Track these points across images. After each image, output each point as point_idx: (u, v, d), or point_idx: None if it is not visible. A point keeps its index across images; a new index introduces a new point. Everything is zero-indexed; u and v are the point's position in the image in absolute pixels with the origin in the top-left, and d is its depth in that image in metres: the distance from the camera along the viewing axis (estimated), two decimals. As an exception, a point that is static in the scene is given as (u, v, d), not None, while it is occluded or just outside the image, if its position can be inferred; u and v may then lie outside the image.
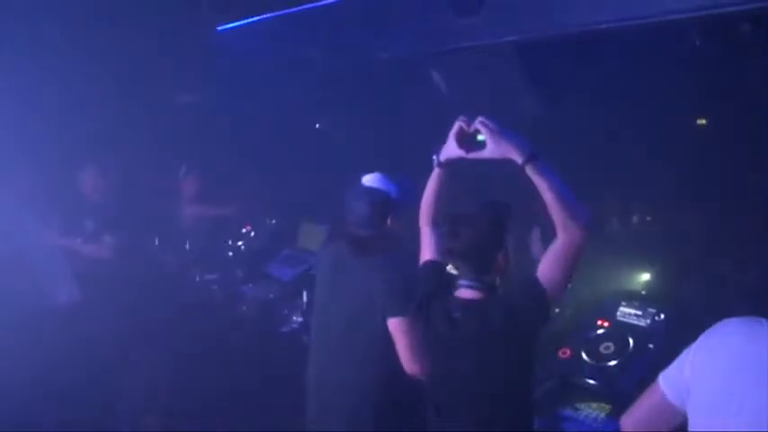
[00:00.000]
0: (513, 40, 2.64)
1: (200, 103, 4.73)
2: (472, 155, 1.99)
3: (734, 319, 1.47)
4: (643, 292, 2.85)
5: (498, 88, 2.89)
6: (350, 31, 3.25)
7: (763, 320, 1.41)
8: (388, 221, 2.42)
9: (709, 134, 2.79)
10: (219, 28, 4.12)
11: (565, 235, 1.84)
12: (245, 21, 3.91)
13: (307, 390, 2.51)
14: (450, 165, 2.10)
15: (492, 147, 1.92)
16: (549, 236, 1.92)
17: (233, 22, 4.01)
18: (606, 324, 2.69)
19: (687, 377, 1.48)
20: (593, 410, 2.34)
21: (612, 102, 2.80)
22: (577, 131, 2.89)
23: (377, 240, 2.41)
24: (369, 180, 2.48)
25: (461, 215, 1.98)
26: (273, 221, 4.64)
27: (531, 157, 1.86)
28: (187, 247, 4.52)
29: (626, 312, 2.71)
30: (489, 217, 1.96)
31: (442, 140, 2.09)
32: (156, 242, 4.46)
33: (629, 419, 1.63)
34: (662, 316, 2.62)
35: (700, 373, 1.45)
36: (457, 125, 2.03)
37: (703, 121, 2.78)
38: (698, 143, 2.77)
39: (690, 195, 2.85)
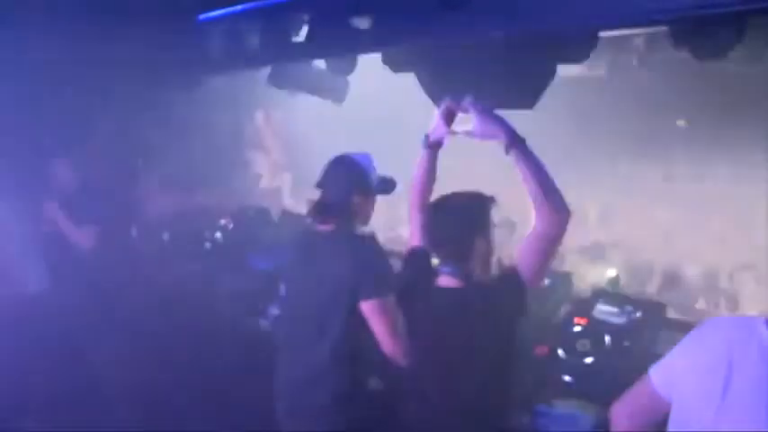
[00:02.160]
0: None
1: (178, 93, 4.65)
2: (459, 132, 1.99)
3: (724, 318, 1.46)
4: (620, 291, 2.88)
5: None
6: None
7: (754, 319, 1.40)
8: (355, 197, 2.37)
9: (689, 134, 2.82)
10: (201, 17, 4.06)
11: (543, 223, 1.84)
12: (228, 10, 3.86)
13: (277, 381, 2.49)
14: (438, 146, 2.10)
15: (479, 128, 1.91)
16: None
17: (215, 10, 3.96)
18: (583, 321, 2.71)
19: (676, 372, 1.49)
20: (569, 407, 2.36)
21: (589, 98, 2.81)
22: (563, 128, 2.90)
23: (339, 210, 2.35)
24: (352, 152, 2.44)
25: (436, 203, 1.99)
26: (252, 212, 4.61)
27: (516, 141, 1.86)
28: (165, 237, 4.46)
29: (603, 310, 2.74)
30: (464, 205, 1.96)
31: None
32: (134, 233, 4.39)
33: (618, 411, 1.63)
34: (638, 314, 2.66)
35: (688, 370, 1.46)
36: (444, 105, 2.02)
37: (682, 123, 2.81)
38: (679, 142, 2.80)
39: (669, 194, 2.88)
